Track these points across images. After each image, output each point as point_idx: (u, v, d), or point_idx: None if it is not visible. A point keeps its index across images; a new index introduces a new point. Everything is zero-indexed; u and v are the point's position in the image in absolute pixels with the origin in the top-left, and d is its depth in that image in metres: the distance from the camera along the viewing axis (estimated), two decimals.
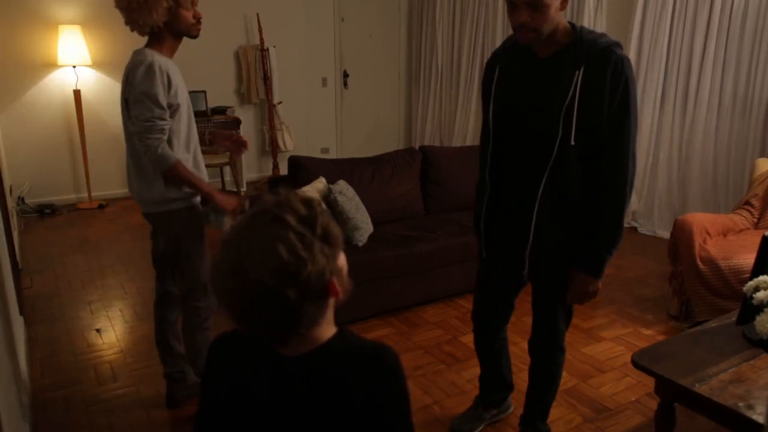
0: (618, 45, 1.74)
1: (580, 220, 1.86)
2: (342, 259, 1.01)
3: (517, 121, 1.87)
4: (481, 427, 2.40)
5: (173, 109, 2.16)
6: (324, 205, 0.97)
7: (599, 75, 1.69)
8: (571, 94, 1.72)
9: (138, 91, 2.08)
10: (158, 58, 2.11)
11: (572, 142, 1.74)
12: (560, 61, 1.75)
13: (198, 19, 2.19)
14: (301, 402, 1.02)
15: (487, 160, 1.96)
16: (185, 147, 2.24)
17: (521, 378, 2.46)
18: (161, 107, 2.10)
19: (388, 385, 1.01)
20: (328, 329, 1.04)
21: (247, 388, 1.06)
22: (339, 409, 1.00)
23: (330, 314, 1.03)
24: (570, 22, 1.78)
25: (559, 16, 1.72)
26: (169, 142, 2.17)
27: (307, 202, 0.97)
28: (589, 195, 1.82)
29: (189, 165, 2.25)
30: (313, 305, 0.95)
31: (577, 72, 1.71)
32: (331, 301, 1.01)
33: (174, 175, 2.16)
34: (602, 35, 1.76)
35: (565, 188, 1.82)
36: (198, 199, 2.35)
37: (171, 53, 2.22)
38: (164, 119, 2.12)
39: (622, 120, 1.73)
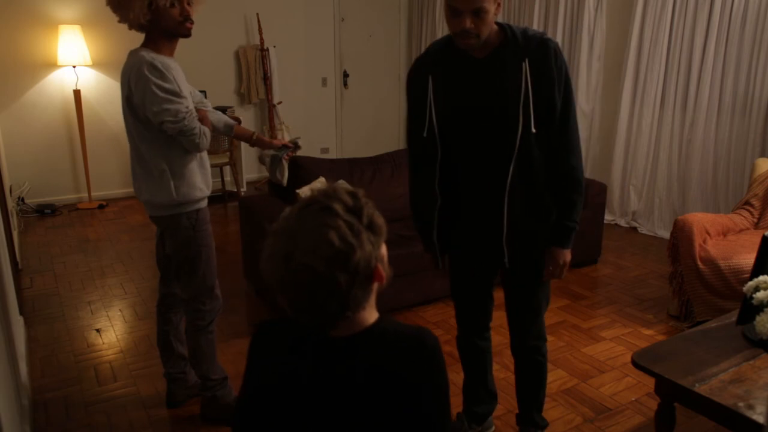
0: (546, 34, 1.86)
1: (546, 201, 1.96)
2: (384, 248, 1.07)
3: (468, 122, 1.90)
4: None
5: None
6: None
7: (544, 65, 1.81)
8: (524, 85, 1.80)
9: (154, 90, 2.04)
10: (156, 56, 2.08)
11: (533, 130, 1.83)
12: (501, 58, 1.83)
13: (186, 17, 2.10)
14: (345, 381, 1.06)
15: (436, 171, 1.96)
16: (188, 153, 2.23)
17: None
18: (183, 96, 2.09)
19: (429, 366, 1.07)
20: (371, 314, 1.09)
21: (291, 369, 1.10)
22: (381, 389, 1.05)
23: (373, 300, 1.09)
24: (496, 22, 1.84)
25: (493, 21, 1.80)
26: (172, 140, 2.16)
27: (353, 193, 1.03)
28: (548, 175, 1.93)
29: (194, 163, 2.24)
30: (360, 290, 1.01)
31: (523, 64, 1.80)
32: (375, 287, 1.06)
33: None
34: (527, 28, 1.87)
35: (530, 174, 1.90)
36: (206, 203, 2.33)
37: (169, 52, 2.17)
38: (189, 107, 2.11)
39: (567, 101, 1.86)
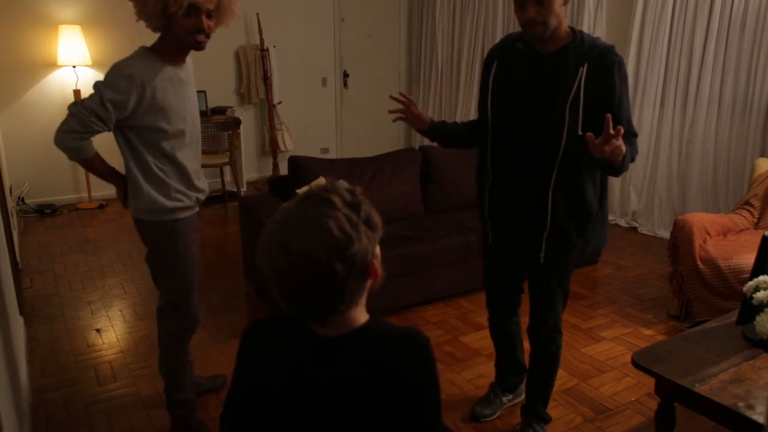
0: (614, 48, 1.93)
1: (587, 201, 2.00)
2: (378, 248, 1.09)
3: (520, 113, 1.98)
4: (499, 411, 2.52)
5: (136, 124, 2.01)
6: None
7: (606, 73, 1.87)
8: (575, 87, 1.87)
9: (94, 91, 1.94)
10: (142, 66, 1.96)
11: (579, 132, 1.87)
12: (564, 57, 1.90)
13: (199, 29, 1.97)
14: (341, 381, 1.07)
15: (488, 148, 2.08)
16: (163, 158, 2.10)
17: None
18: (107, 114, 1.94)
19: (421, 365, 1.08)
20: (362, 314, 1.10)
21: (285, 369, 1.10)
22: (374, 388, 1.06)
23: (365, 299, 1.09)
24: (571, 27, 1.94)
25: (563, 12, 1.88)
26: (142, 143, 2.05)
27: (351, 190, 1.06)
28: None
29: (170, 169, 2.10)
30: (355, 284, 1.02)
31: (581, 68, 1.87)
32: (369, 284, 1.07)
33: (89, 169, 2.16)
34: (598, 38, 1.96)
35: (575, 176, 1.95)
36: (186, 214, 2.17)
37: (177, 61, 2.06)
38: (102, 124, 1.96)
39: (627, 107, 1.94)
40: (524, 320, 2.43)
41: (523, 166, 2.02)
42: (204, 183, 2.27)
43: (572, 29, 1.94)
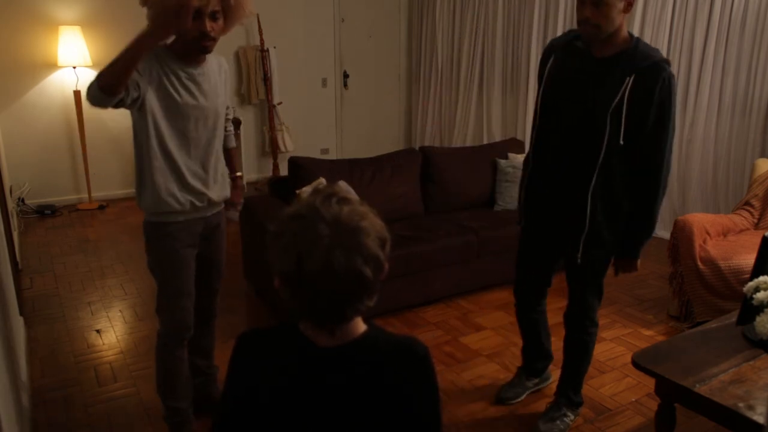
0: (667, 62, 1.92)
1: (623, 212, 2.07)
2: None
3: (564, 113, 2.04)
4: (524, 395, 2.61)
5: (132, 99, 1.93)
6: None
7: (650, 86, 1.87)
8: (619, 96, 1.89)
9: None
10: (149, 57, 1.94)
11: (621, 142, 1.92)
12: (614, 64, 1.92)
13: (202, 33, 1.92)
14: (336, 390, 1.06)
15: (534, 137, 2.17)
16: (161, 153, 2.04)
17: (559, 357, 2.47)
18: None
19: (421, 375, 1.08)
20: (360, 323, 1.10)
21: (283, 373, 1.09)
22: (373, 398, 1.05)
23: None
24: (630, 33, 1.95)
25: (622, 20, 1.89)
26: (140, 149, 2.03)
27: (382, 224, 1.05)
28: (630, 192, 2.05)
29: (167, 170, 2.05)
30: (378, 285, 1.02)
31: (628, 78, 1.88)
32: None
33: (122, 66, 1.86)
34: (655, 49, 1.94)
35: (613, 184, 2.00)
36: (179, 218, 2.11)
37: (186, 59, 2.02)
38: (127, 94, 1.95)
39: (662, 129, 1.92)
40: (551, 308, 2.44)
41: (562, 168, 2.08)
42: (213, 191, 2.17)
43: (631, 36, 1.94)
